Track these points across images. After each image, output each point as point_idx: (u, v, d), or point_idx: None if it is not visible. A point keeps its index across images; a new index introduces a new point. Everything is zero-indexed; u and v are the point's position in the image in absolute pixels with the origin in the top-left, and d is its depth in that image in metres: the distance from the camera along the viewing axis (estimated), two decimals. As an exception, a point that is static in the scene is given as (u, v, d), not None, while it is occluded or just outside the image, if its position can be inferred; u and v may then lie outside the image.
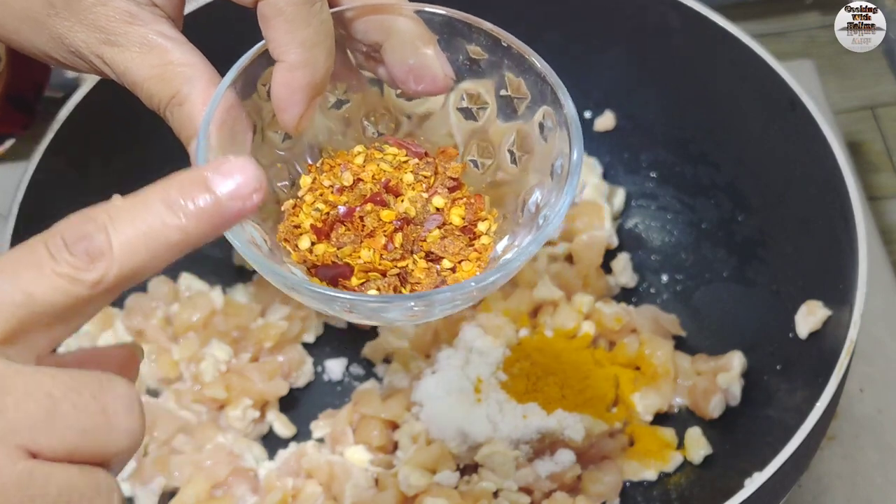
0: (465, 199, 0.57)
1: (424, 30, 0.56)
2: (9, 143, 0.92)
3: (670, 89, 0.87)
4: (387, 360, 0.85)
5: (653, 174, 0.91)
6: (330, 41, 0.52)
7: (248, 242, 0.51)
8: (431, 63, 0.56)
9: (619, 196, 0.91)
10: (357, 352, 0.86)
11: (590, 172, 0.90)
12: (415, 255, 0.54)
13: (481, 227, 0.56)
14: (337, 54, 0.55)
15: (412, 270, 0.54)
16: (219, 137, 0.53)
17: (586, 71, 0.89)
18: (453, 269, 0.55)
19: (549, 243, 0.87)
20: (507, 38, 0.57)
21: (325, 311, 0.54)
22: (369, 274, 0.53)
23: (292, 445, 0.81)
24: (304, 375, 0.84)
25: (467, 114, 0.61)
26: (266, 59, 0.54)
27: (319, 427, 0.82)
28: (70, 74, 1.20)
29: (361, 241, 0.54)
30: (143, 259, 0.38)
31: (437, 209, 0.56)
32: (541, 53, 0.59)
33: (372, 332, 0.86)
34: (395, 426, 0.80)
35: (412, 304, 0.51)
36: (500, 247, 0.56)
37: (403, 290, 0.54)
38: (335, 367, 0.86)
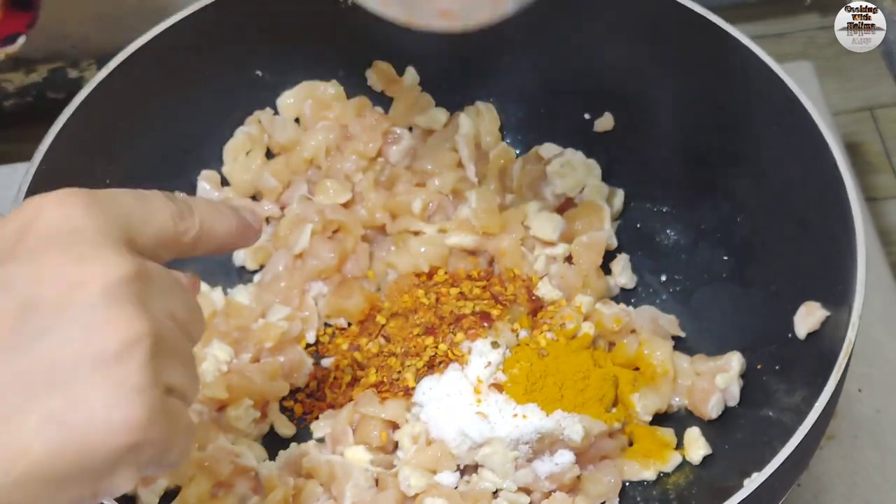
0: None
1: None
2: (20, 41, 0.92)
3: (669, 91, 0.87)
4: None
5: (652, 175, 0.91)
6: None
7: None
8: None
9: (619, 197, 0.92)
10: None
11: (589, 173, 0.91)
12: None
13: None
14: None
15: None
16: None
17: (586, 72, 0.89)
18: None
19: (549, 244, 0.87)
20: None
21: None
22: None
23: (293, 445, 0.81)
24: (304, 375, 0.84)
25: None
26: None
27: (320, 427, 0.82)
28: (72, 75, 1.20)
29: None
30: (208, 235, 0.53)
31: None
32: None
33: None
34: (395, 426, 0.80)
35: None
36: None
37: None
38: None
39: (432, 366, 0.80)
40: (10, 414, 0.43)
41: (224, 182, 0.91)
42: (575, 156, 0.91)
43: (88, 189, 0.48)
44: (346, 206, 0.88)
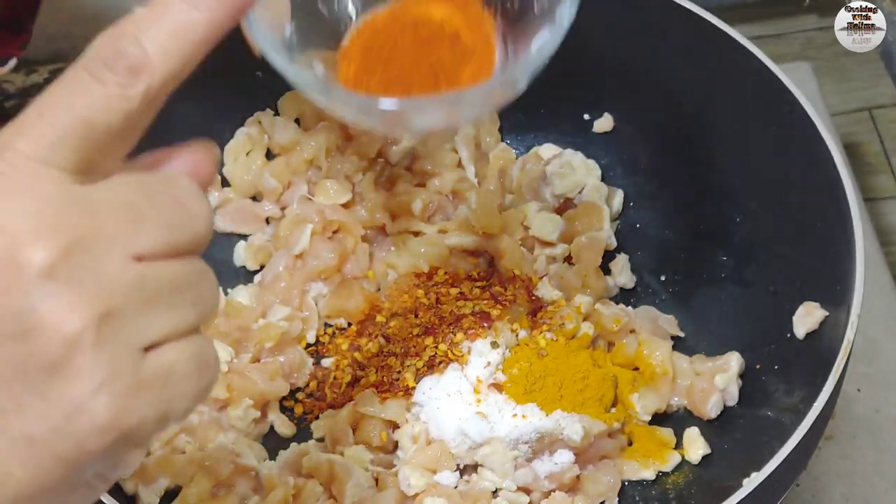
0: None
1: None
2: (11, 63, 0.92)
3: (668, 91, 0.87)
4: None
5: (651, 176, 0.91)
6: None
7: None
8: None
9: (618, 197, 0.92)
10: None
11: (588, 174, 0.91)
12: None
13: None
14: None
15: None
16: None
17: (584, 73, 0.90)
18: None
19: (548, 244, 0.87)
20: None
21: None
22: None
23: (293, 445, 0.81)
24: (304, 375, 0.84)
25: None
26: None
27: (320, 427, 0.82)
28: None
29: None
30: (179, 59, 0.42)
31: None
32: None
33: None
34: (395, 426, 0.80)
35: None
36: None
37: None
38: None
39: (432, 366, 0.81)
40: None
41: (224, 182, 0.91)
42: (574, 156, 0.91)
43: (24, 126, 0.41)
44: (346, 206, 0.88)
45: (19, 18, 0.90)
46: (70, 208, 0.39)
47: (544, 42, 0.57)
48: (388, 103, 0.51)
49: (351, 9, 0.62)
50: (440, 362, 0.81)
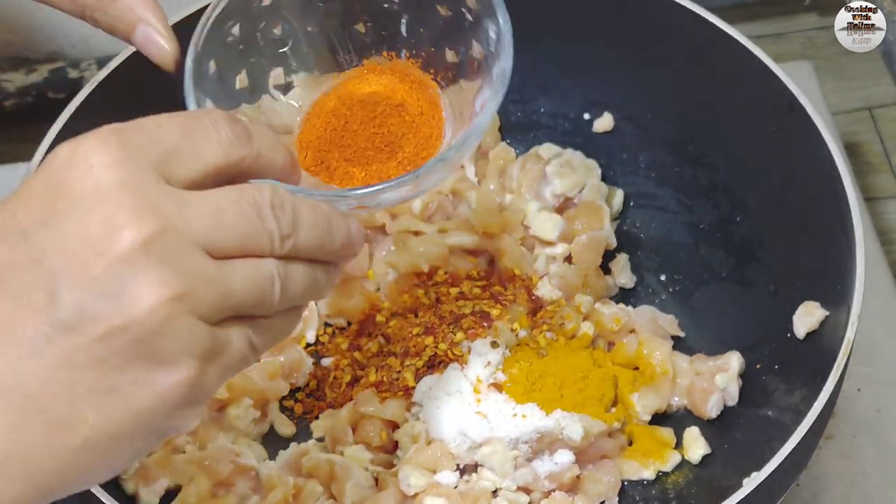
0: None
1: None
2: None
3: (669, 91, 0.87)
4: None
5: (651, 175, 0.91)
6: None
7: None
8: None
9: (618, 197, 0.92)
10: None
11: (588, 173, 0.91)
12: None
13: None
14: None
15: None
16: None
17: (585, 73, 0.90)
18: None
19: (548, 244, 0.87)
20: None
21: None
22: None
23: (293, 445, 0.81)
24: (304, 375, 0.84)
25: None
26: None
27: (320, 427, 0.82)
28: (72, 75, 1.20)
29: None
30: (265, 165, 0.49)
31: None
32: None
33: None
34: (394, 426, 0.80)
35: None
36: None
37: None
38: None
39: (432, 365, 0.81)
40: (61, 391, 0.42)
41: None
42: (574, 156, 0.91)
43: (127, 127, 0.46)
44: (346, 205, 0.88)
45: None
46: (162, 198, 0.44)
47: (487, 100, 0.61)
48: (352, 197, 0.56)
49: (297, 96, 0.67)
50: (440, 362, 0.81)
